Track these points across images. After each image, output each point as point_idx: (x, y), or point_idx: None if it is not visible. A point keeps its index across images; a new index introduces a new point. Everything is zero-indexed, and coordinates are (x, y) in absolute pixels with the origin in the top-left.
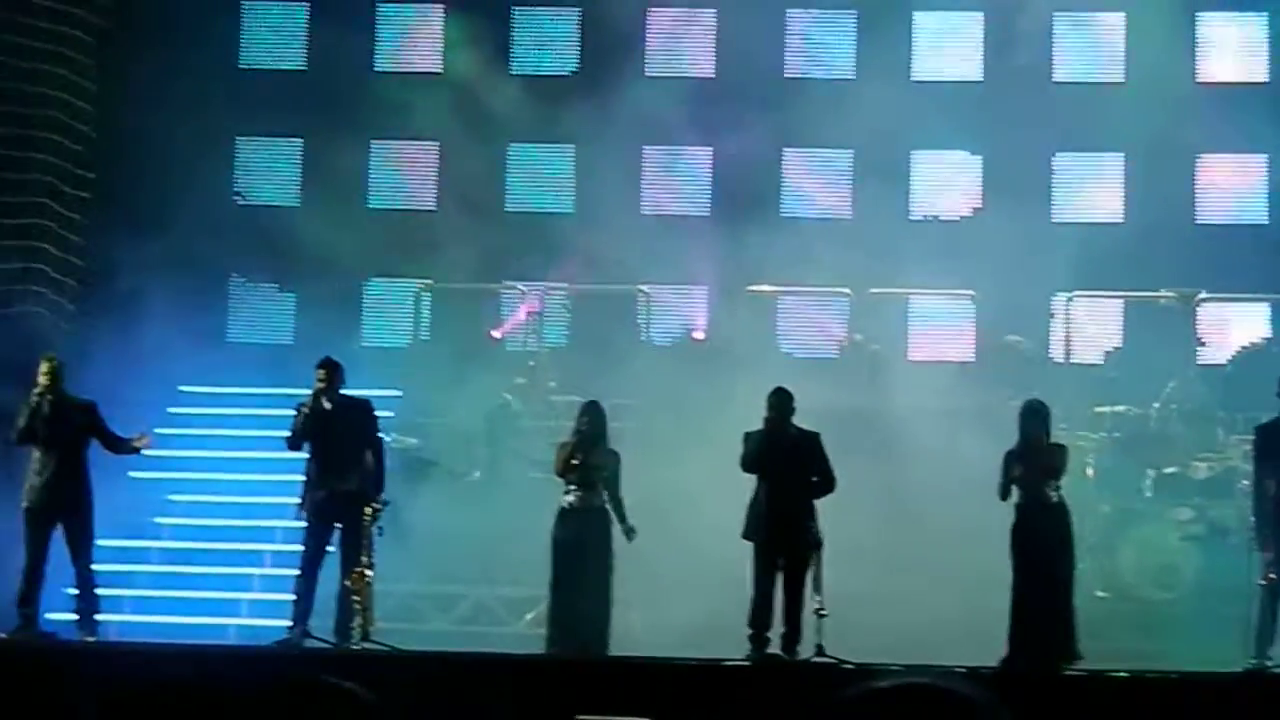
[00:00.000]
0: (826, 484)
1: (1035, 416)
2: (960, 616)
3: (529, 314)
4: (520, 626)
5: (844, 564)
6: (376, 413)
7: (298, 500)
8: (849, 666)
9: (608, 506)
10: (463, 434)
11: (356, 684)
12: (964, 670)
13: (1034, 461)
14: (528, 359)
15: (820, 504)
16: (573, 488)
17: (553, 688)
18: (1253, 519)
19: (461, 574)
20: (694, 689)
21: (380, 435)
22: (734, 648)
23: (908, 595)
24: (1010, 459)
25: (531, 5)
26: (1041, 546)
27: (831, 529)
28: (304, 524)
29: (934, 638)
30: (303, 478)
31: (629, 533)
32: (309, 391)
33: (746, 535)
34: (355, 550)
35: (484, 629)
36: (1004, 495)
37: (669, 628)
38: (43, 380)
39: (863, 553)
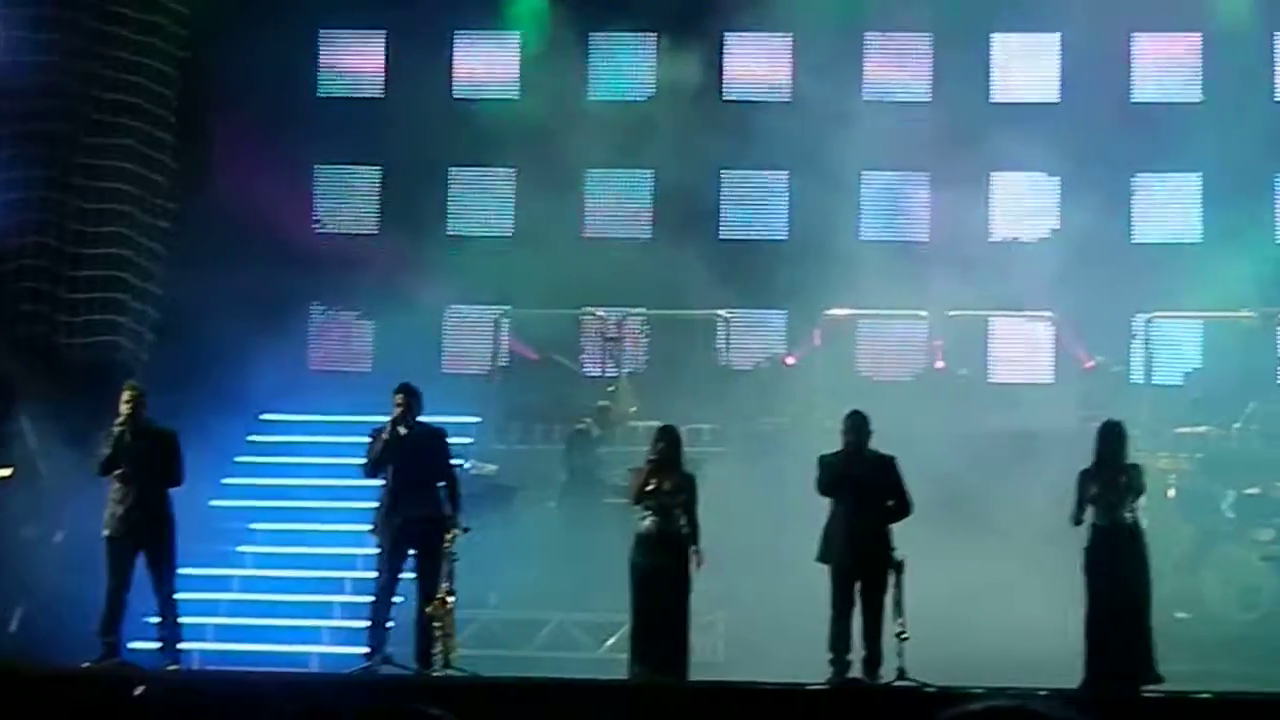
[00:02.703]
0: (903, 508)
1: (1112, 436)
2: (1039, 638)
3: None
4: (601, 652)
5: (924, 586)
6: (451, 439)
7: (370, 526)
8: (931, 690)
9: (684, 531)
10: (543, 459)
11: (442, 710)
12: (1047, 693)
13: (1111, 481)
14: (608, 384)
15: (903, 526)
16: (649, 513)
17: (635, 713)
18: None
19: (543, 600)
20: (775, 713)
21: (455, 462)
22: (816, 672)
23: (986, 617)
24: (1086, 478)
25: (611, 30)
26: (1118, 567)
27: (914, 552)
28: (378, 550)
29: (1013, 660)
30: (377, 504)
31: (697, 557)
32: (387, 418)
33: (822, 558)
34: (432, 577)
35: (565, 654)
36: (1078, 515)
37: (751, 651)
38: (124, 409)
39: (942, 575)
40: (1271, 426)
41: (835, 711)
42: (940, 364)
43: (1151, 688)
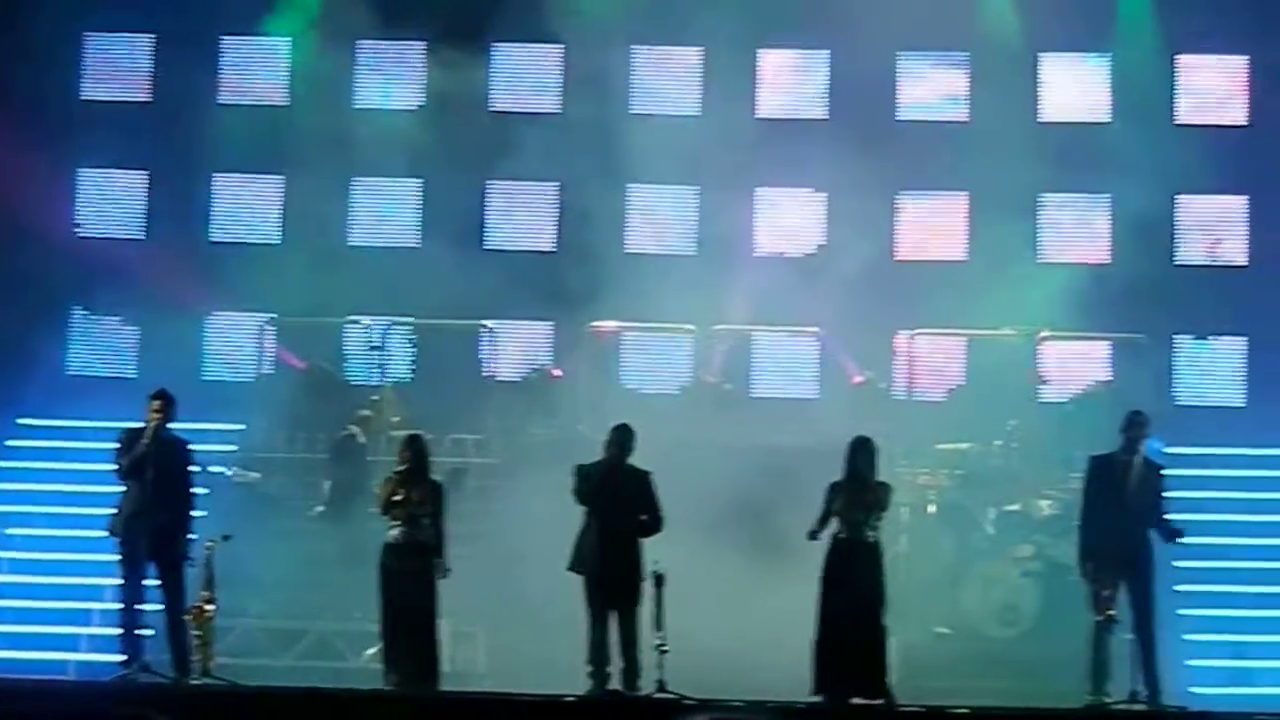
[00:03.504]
0: (654, 523)
1: (862, 452)
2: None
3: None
4: (362, 661)
5: (686, 599)
6: (212, 447)
7: (107, 530)
8: (691, 702)
9: (432, 542)
10: (307, 468)
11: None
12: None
13: (857, 496)
14: (372, 393)
15: (666, 539)
16: (396, 523)
17: None
18: (1081, 551)
19: (304, 609)
20: None
21: (194, 471)
22: (577, 683)
23: (751, 629)
24: (833, 492)
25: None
26: (855, 582)
27: (676, 565)
28: (120, 556)
29: (781, 672)
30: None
31: (440, 567)
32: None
33: (572, 568)
34: (177, 585)
35: (326, 664)
36: (820, 526)
37: (512, 662)
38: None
39: (707, 588)
40: (1032, 444)
41: None
42: (705, 377)
43: (881, 703)
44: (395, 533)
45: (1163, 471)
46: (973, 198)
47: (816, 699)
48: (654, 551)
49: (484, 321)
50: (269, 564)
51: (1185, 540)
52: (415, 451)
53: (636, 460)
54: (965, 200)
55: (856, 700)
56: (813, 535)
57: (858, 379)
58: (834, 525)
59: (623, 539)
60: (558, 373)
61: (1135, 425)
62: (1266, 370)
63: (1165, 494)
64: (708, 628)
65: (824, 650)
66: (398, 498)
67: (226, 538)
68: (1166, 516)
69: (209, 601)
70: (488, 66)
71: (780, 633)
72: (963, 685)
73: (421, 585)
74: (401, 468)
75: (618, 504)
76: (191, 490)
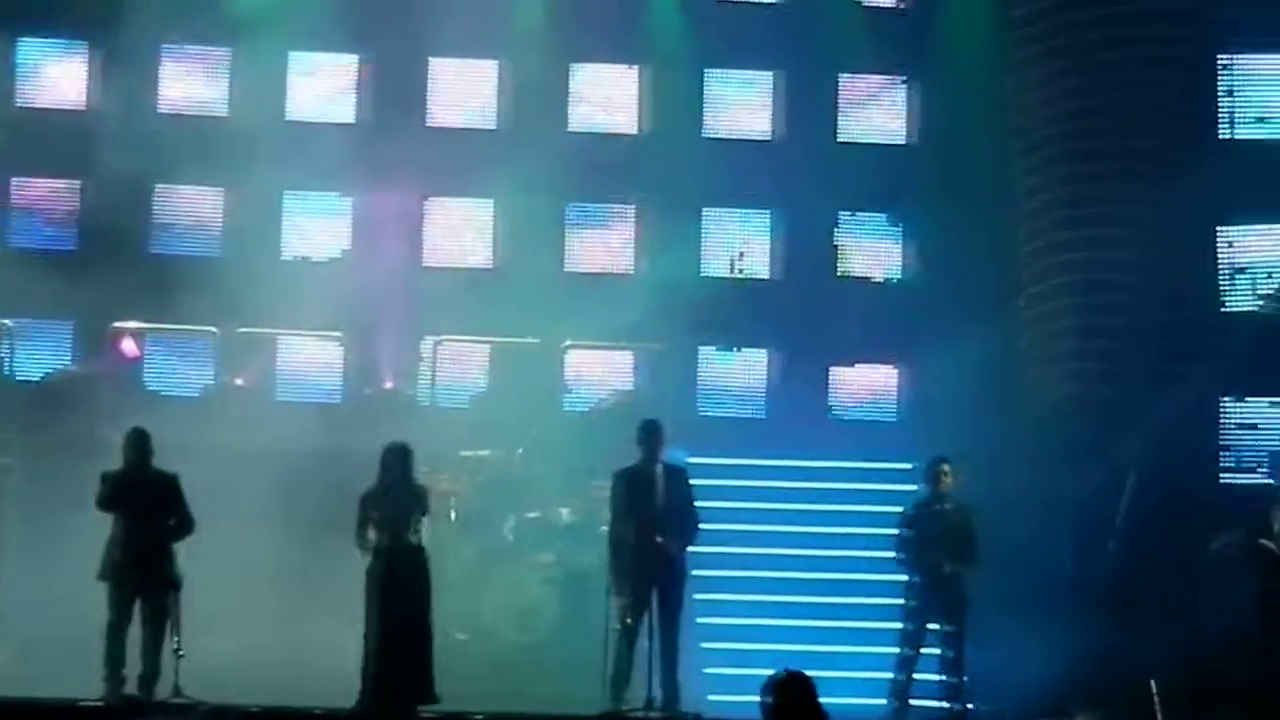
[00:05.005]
0: (184, 526)
1: (397, 457)
2: (331, 657)
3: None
4: None
5: (208, 605)
6: None
7: None
8: (205, 707)
9: None
10: None
11: None
12: (322, 712)
13: (395, 503)
14: None
15: (191, 544)
16: None
17: None
18: (610, 563)
19: None
20: None
21: None
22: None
23: (271, 635)
24: (369, 500)
25: None
26: (400, 588)
27: (196, 570)
28: None
29: (298, 678)
30: None
31: None
32: None
33: (101, 576)
34: None
35: None
36: (361, 536)
37: (34, 667)
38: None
39: (229, 594)
40: (553, 451)
41: None
42: (225, 379)
43: (428, 708)
44: None
45: (688, 479)
46: (498, 204)
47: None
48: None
49: (4, 320)
50: None
51: (708, 549)
52: None
53: (159, 463)
54: (490, 207)
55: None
56: (360, 543)
57: (388, 384)
58: (374, 534)
59: (150, 543)
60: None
61: (650, 435)
62: (787, 381)
63: (693, 501)
64: (229, 633)
65: (373, 659)
66: None
67: None
68: (697, 523)
69: None
70: None
71: (314, 639)
72: (482, 690)
73: None
74: None
75: (143, 508)
76: None
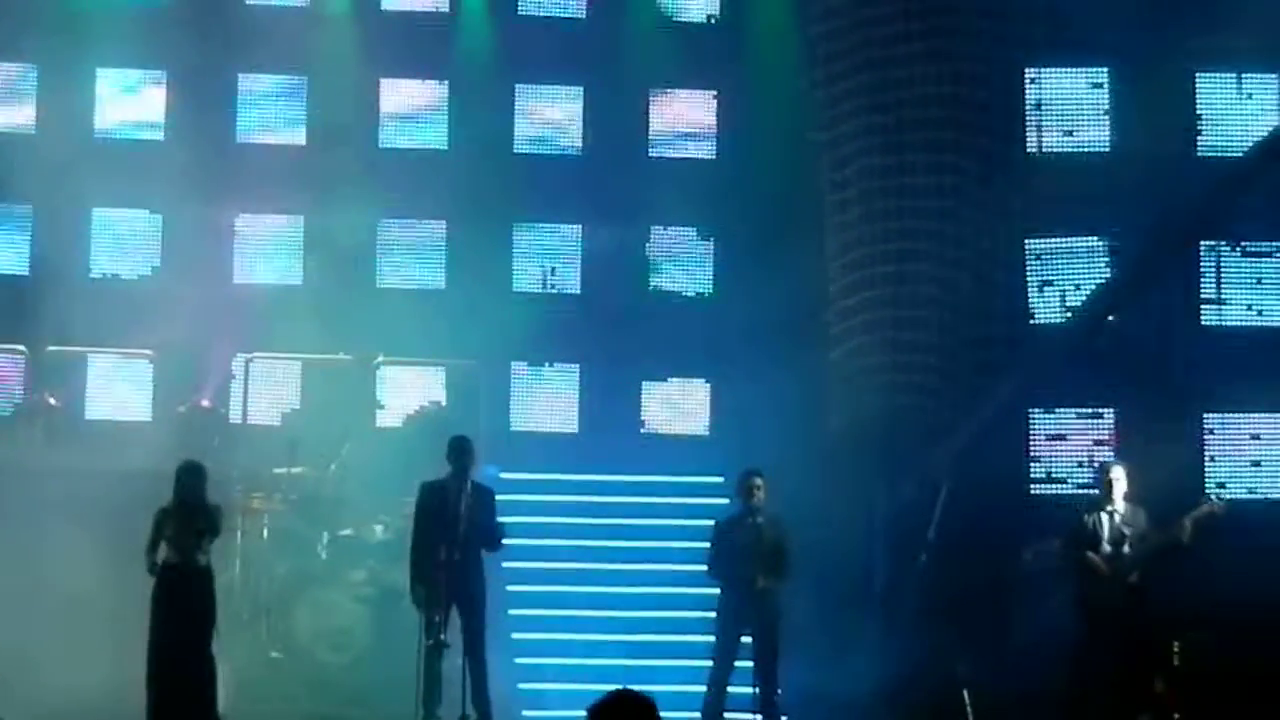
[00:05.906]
0: None
1: (190, 476)
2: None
3: None
4: None
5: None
6: None
7: None
8: None
9: None
10: None
11: None
12: None
13: (187, 521)
14: None
15: None
16: None
17: None
18: (412, 577)
19: None
20: None
21: None
22: None
23: (76, 658)
24: (163, 518)
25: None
26: (185, 608)
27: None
28: None
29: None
30: None
31: None
32: None
33: None
34: None
35: None
36: (150, 556)
37: None
38: None
39: (34, 614)
40: (366, 468)
41: None
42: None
43: None
44: None
45: (494, 499)
46: (309, 221)
47: None
48: None
49: None
50: None
51: (521, 564)
52: None
53: None
54: (301, 223)
55: None
56: (151, 565)
57: (205, 402)
58: (164, 551)
59: None
60: None
61: (459, 452)
62: (599, 397)
63: (497, 518)
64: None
65: (154, 681)
66: None
67: None
68: (499, 541)
69: None
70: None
71: (109, 662)
72: (295, 710)
73: None
74: None
75: None
76: None
